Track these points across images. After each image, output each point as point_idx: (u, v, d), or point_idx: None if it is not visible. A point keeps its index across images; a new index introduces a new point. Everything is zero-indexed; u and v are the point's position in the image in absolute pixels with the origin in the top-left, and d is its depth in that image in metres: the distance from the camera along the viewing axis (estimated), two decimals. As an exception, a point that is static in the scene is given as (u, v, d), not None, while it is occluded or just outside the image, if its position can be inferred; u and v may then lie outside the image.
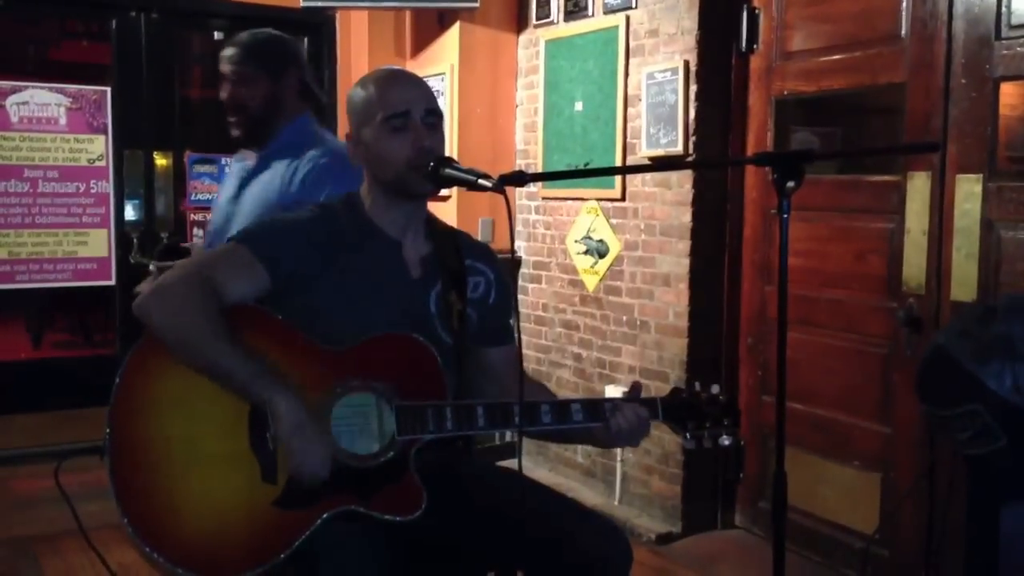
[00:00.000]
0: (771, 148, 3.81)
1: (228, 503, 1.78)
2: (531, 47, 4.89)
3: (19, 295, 5.37)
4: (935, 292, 3.16)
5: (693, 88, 3.88)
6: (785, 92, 3.78)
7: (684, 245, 3.93)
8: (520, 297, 4.87)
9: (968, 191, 3.05)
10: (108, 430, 1.79)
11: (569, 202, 4.62)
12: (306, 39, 5.59)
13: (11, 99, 4.84)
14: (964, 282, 3.06)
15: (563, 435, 2.12)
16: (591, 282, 4.47)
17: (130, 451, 1.79)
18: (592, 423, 1.97)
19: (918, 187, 3.21)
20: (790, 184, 1.78)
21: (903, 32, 3.29)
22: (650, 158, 4.07)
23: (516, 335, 2.02)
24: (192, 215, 5.29)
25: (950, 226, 3.11)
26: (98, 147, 5.04)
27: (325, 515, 1.78)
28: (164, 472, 1.78)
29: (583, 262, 4.51)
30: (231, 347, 1.80)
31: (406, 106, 1.99)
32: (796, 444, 3.54)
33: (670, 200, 3.99)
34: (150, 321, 1.84)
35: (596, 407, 1.98)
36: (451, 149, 4.70)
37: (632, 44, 4.19)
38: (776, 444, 1.83)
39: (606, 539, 1.91)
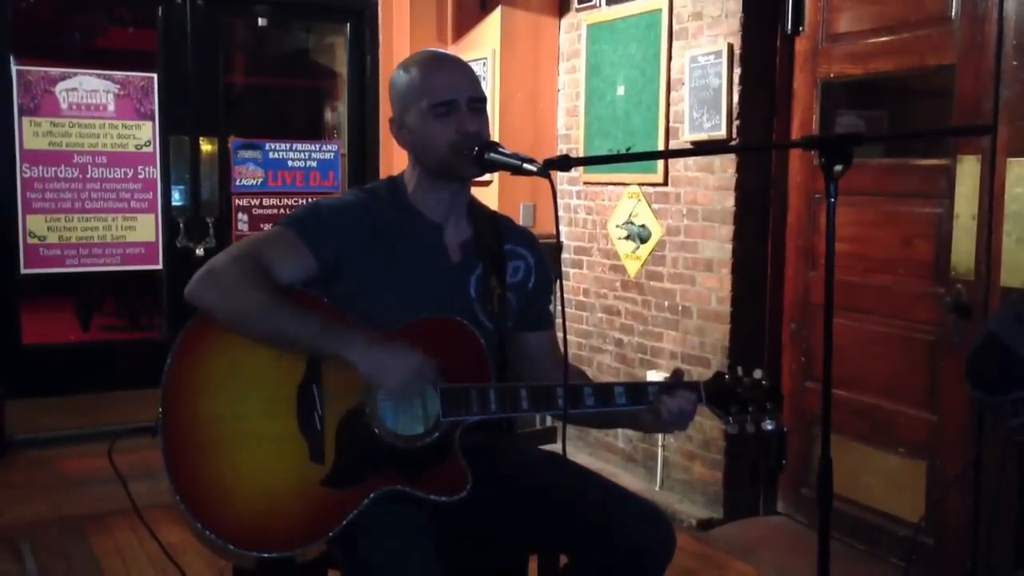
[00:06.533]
0: (816, 132, 3.77)
1: (277, 482, 1.81)
2: (573, 31, 4.87)
3: (68, 279, 5.48)
4: (984, 278, 3.11)
5: (737, 71, 3.84)
6: (831, 75, 3.73)
7: (727, 230, 3.90)
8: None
9: (1019, 175, 2.99)
10: (161, 410, 1.83)
11: (611, 187, 4.60)
12: (348, 24, 5.62)
13: (60, 86, 4.93)
14: (1014, 268, 3.01)
15: (607, 420, 2.12)
16: (633, 267, 4.45)
17: (182, 431, 1.82)
18: (635, 406, 1.97)
19: (967, 171, 3.16)
20: (838, 168, 1.75)
21: (953, 13, 3.23)
22: (693, 142, 4.04)
23: (561, 320, 2.02)
24: (237, 200, 5.36)
25: (1000, 211, 3.05)
26: (145, 133, 5.12)
27: (372, 494, 1.81)
28: (215, 451, 1.82)
29: (625, 247, 4.50)
30: (290, 311, 1.83)
31: (452, 95, 1.99)
32: (840, 431, 3.51)
33: (713, 185, 3.96)
34: (205, 302, 1.87)
35: (639, 390, 1.98)
36: (493, 134, 4.70)
37: (675, 27, 4.16)
38: (822, 431, 1.81)
39: (651, 524, 1.91)
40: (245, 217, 5.36)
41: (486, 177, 4.60)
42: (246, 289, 1.84)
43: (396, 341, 1.85)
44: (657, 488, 4.30)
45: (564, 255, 4.90)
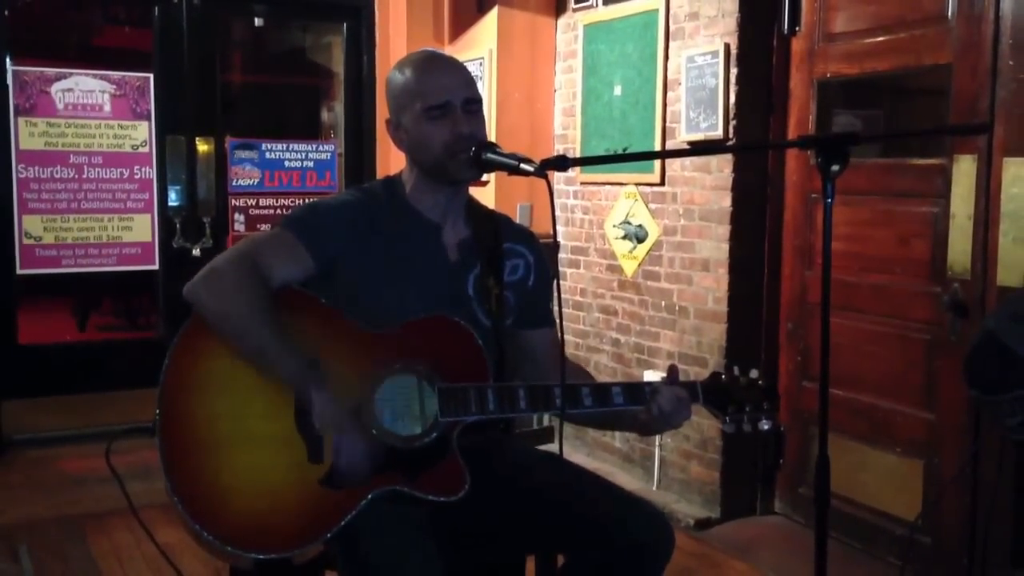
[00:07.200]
0: (813, 131, 3.77)
1: (275, 482, 1.81)
2: (570, 31, 4.87)
3: (65, 279, 5.47)
4: (981, 277, 3.12)
5: (734, 71, 3.84)
6: (828, 74, 3.73)
7: (724, 230, 3.91)
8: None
9: (1016, 174, 3.00)
10: (158, 409, 1.83)
11: (608, 187, 4.61)
12: (345, 24, 5.62)
13: (56, 86, 4.92)
14: (1011, 267, 3.01)
15: (604, 421, 2.12)
16: (629, 267, 4.46)
17: (179, 430, 1.82)
18: (632, 406, 1.97)
19: (964, 170, 3.17)
20: (834, 168, 1.76)
21: (949, 12, 3.23)
22: (690, 142, 4.04)
23: (558, 318, 2.02)
24: (234, 200, 5.35)
25: (997, 210, 3.06)
26: (141, 133, 5.11)
27: (370, 495, 1.80)
28: (213, 451, 1.82)
29: (621, 247, 4.50)
30: (276, 336, 1.82)
31: (446, 97, 1.99)
32: (837, 430, 3.51)
33: (710, 185, 3.97)
34: (201, 304, 1.87)
35: (636, 390, 1.97)
36: (489, 134, 4.70)
37: (672, 27, 4.16)
38: (819, 430, 1.82)
39: (650, 524, 1.91)
40: (242, 217, 5.35)
41: (483, 177, 4.60)
42: (240, 299, 1.84)
43: (356, 422, 1.83)
44: (654, 488, 4.30)
45: (561, 255, 4.90)
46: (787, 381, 3.92)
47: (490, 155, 1.94)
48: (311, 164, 5.52)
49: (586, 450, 4.80)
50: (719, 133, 3.87)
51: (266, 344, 1.82)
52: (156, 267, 5.22)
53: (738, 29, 3.82)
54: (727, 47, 3.84)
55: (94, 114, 5.00)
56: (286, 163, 5.46)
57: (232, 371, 1.85)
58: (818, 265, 3.67)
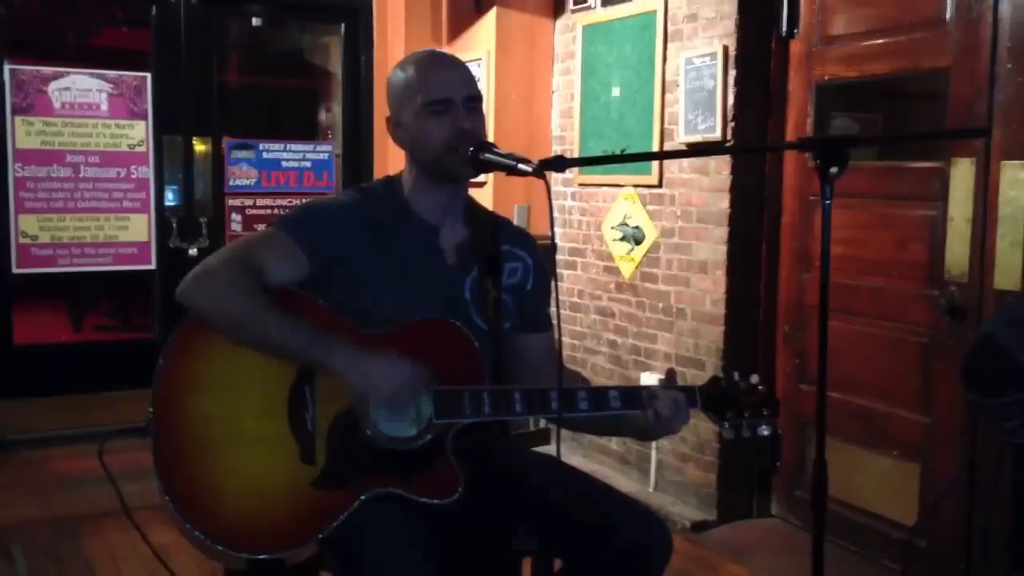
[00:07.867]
0: (811, 134, 3.77)
1: (268, 482, 1.80)
2: (568, 32, 4.87)
3: (61, 279, 5.45)
4: (978, 280, 3.11)
5: (732, 73, 3.84)
6: (826, 77, 3.73)
7: (721, 232, 3.90)
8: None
9: (1013, 178, 2.99)
10: (151, 410, 1.82)
11: (605, 188, 4.60)
12: (343, 24, 5.61)
13: (53, 85, 4.91)
14: (1008, 270, 3.01)
15: (602, 427, 2.10)
16: (627, 269, 4.45)
17: (173, 430, 1.81)
18: (629, 410, 1.95)
19: (962, 174, 3.16)
20: (833, 170, 1.75)
21: (948, 16, 3.23)
22: (688, 144, 4.04)
23: (556, 321, 2.01)
24: (230, 200, 5.34)
25: (994, 213, 3.06)
26: (138, 132, 5.10)
27: (363, 496, 1.80)
28: (205, 451, 1.81)
29: (619, 249, 4.49)
30: (279, 317, 1.81)
31: (447, 93, 1.99)
32: (834, 433, 3.50)
33: (708, 187, 3.96)
34: (194, 305, 1.86)
35: (634, 394, 1.96)
36: (487, 135, 4.69)
37: (670, 29, 4.16)
38: (816, 433, 1.81)
39: (648, 527, 1.90)
40: (239, 217, 5.34)
41: (480, 178, 4.59)
42: (235, 293, 1.83)
43: (384, 350, 1.83)
44: (651, 490, 4.30)
45: (558, 256, 4.89)
46: (784, 384, 3.91)
47: (488, 155, 1.93)
48: (308, 164, 5.52)
49: (582, 452, 4.79)
50: (717, 135, 3.87)
51: (268, 328, 1.81)
52: (152, 267, 5.21)
53: (737, 31, 3.82)
54: (725, 49, 3.83)
55: (91, 113, 4.99)
56: (283, 163, 5.45)
57: (226, 371, 1.85)
58: (816, 268, 3.67)
